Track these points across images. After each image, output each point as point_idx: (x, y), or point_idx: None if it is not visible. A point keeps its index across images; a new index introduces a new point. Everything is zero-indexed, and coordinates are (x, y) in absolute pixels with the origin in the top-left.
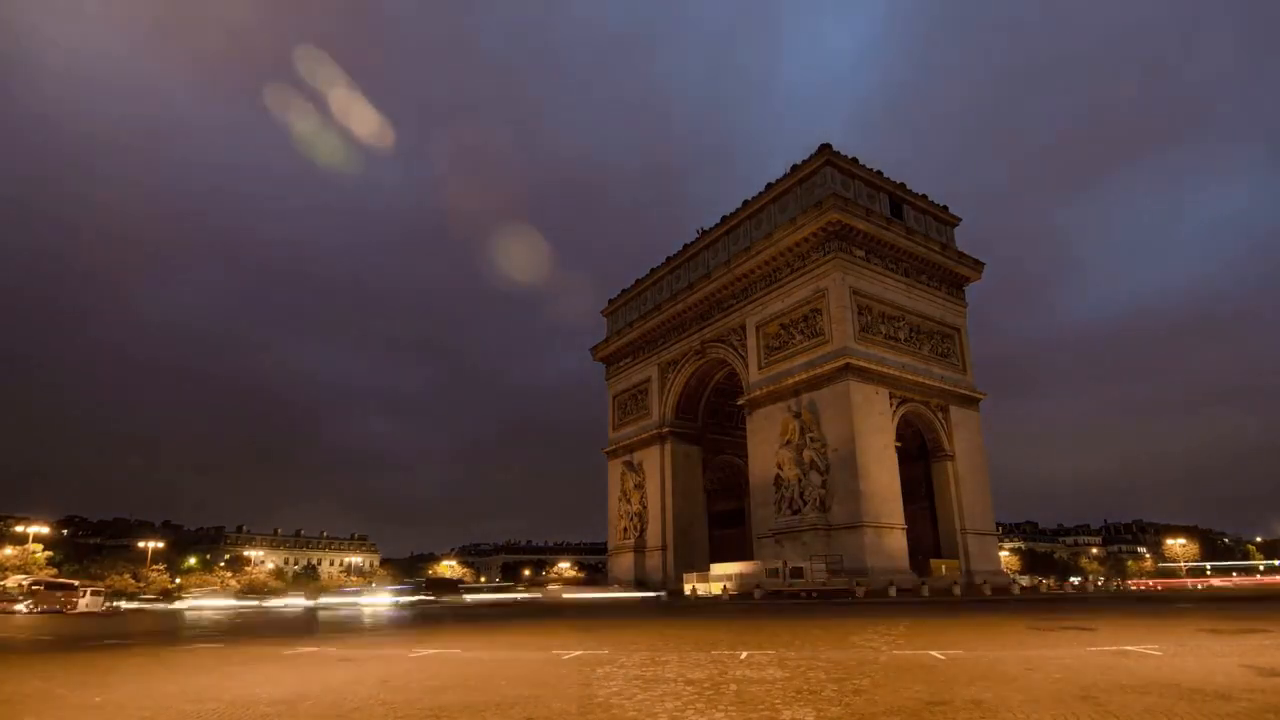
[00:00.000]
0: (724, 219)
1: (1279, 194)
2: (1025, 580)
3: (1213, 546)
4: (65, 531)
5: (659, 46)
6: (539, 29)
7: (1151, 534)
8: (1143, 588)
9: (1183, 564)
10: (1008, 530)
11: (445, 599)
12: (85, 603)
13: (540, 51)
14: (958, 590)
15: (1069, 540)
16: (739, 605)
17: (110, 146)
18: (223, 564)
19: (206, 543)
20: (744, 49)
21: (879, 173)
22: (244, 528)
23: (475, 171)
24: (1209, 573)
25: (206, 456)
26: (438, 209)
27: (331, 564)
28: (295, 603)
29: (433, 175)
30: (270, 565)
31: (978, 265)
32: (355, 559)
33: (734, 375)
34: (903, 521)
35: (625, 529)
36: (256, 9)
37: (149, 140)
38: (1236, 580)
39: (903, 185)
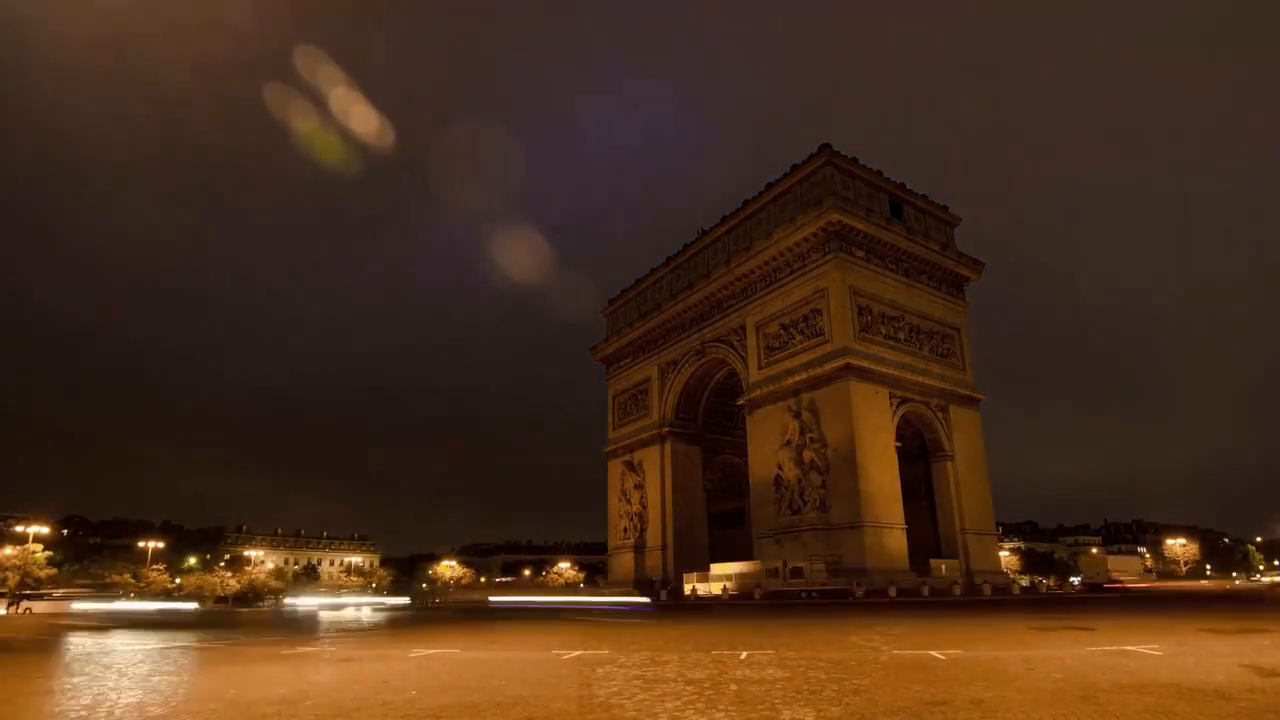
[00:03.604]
0: (724, 218)
1: None
2: (1025, 580)
3: (1213, 547)
4: (65, 531)
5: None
6: None
7: (1151, 534)
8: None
9: None
10: (1008, 530)
11: None
12: None
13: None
14: (958, 590)
15: (1069, 540)
16: (739, 605)
17: None
18: (223, 564)
19: (206, 543)
20: None
21: (879, 172)
22: (244, 527)
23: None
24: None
25: (207, 456)
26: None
27: (332, 564)
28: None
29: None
30: (270, 565)
31: (977, 265)
32: (355, 559)
33: (734, 375)
34: (902, 521)
35: (625, 529)
36: None
37: None
38: None
39: (903, 185)
